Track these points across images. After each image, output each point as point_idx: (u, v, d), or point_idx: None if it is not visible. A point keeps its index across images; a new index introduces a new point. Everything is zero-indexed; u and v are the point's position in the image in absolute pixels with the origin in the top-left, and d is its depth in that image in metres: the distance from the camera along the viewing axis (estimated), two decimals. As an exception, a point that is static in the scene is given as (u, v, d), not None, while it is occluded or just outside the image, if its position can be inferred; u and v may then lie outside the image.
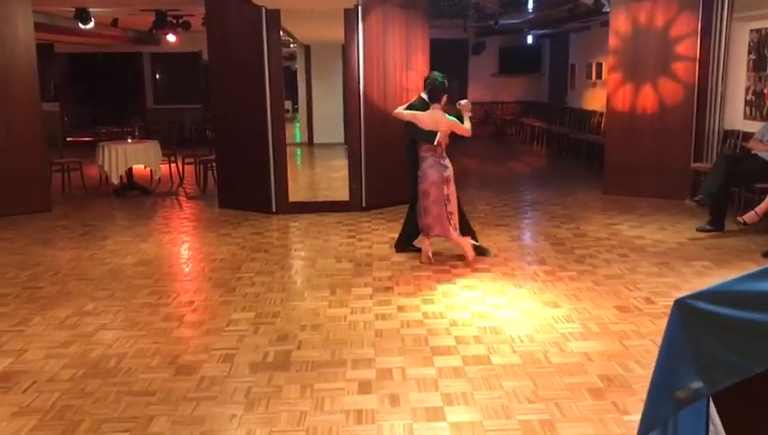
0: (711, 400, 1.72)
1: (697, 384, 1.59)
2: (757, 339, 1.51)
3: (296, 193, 9.52)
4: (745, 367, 1.53)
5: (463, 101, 6.31)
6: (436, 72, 6.42)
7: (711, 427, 1.73)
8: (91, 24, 11.85)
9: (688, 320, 1.60)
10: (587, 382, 3.93)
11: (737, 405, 1.91)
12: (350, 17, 8.67)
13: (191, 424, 3.53)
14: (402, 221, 8.29)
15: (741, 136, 8.45)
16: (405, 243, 6.92)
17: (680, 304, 1.62)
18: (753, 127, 8.00)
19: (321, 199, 9.91)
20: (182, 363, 4.29)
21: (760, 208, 6.71)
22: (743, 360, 1.53)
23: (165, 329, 4.89)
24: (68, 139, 16.72)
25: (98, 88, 19.74)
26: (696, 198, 7.44)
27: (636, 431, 1.96)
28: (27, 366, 4.29)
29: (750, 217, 6.74)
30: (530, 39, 17.85)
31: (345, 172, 9.20)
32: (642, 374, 3.98)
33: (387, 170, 9.02)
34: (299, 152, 16.01)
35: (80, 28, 12.07)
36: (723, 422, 1.82)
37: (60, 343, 4.65)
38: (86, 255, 6.97)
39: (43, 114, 9.28)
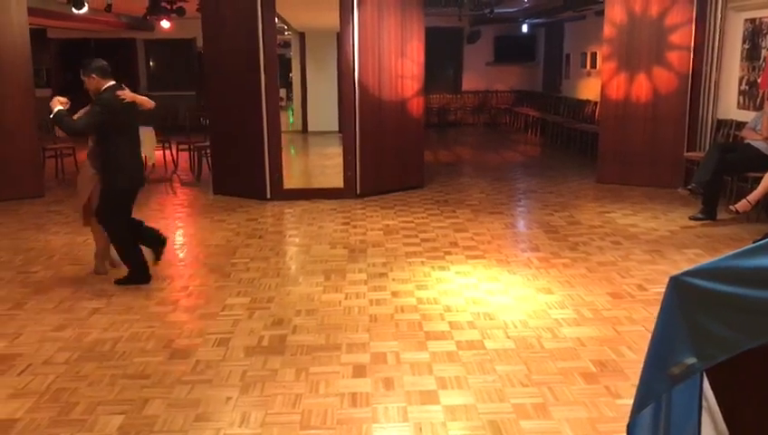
0: (704, 375, 1.74)
1: (691, 360, 1.61)
2: (750, 314, 1.53)
3: (290, 180, 9.51)
4: (739, 342, 1.56)
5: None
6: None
7: (704, 402, 1.76)
8: (85, 9, 11.75)
9: (683, 296, 1.62)
10: (580, 367, 3.96)
11: (729, 379, 1.93)
12: (345, 4, 8.62)
13: (186, 407, 3.55)
14: (396, 209, 8.32)
15: (734, 125, 8.49)
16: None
17: (676, 281, 1.64)
18: (747, 116, 8.04)
19: (315, 186, 9.91)
20: (177, 347, 4.30)
21: (752, 197, 6.75)
22: (736, 335, 1.55)
23: (159, 313, 4.90)
24: (61, 125, 16.60)
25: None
26: (688, 187, 7.49)
27: (629, 411, 1.99)
28: (22, 349, 4.29)
29: (742, 205, 6.78)
30: (525, 28, 17.83)
31: (339, 160, 9.20)
32: (634, 359, 4.02)
33: (381, 158, 9.03)
34: (293, 140, 15.96)
35: (73, 13, 11.97)
36: (715, 397, 1.85)
37: (54, 327, 4.65)
38: (80, 240, 6.96)
39: (36, 100, 9.23)
